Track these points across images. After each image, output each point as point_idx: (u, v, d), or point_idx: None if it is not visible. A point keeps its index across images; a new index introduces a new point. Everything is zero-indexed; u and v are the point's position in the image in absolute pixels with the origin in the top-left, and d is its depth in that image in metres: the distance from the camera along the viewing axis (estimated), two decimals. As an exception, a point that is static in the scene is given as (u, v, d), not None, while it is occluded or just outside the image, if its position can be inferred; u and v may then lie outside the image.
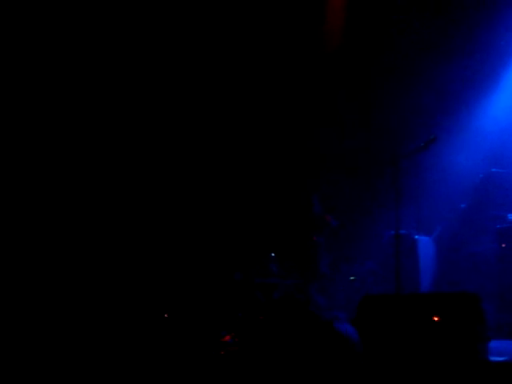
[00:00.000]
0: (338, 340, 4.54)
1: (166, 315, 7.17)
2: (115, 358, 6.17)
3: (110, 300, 7.37)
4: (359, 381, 4.37)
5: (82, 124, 8.38)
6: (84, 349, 6.40)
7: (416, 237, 8.58)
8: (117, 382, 5.88)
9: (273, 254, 8.80)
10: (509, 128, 9.13)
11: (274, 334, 6.23)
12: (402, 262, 7.83)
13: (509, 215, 8.44)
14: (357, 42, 9.46)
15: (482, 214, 8.72)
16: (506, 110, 9.28)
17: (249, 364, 5.96)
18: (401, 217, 7.72)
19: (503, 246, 8.18)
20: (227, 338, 6.77)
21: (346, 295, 8.77)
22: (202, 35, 8.88)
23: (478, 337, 4.91)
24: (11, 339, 6.47)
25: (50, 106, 8.17)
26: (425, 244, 8.71)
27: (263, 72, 9.35)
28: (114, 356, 6.21)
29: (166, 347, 6.61)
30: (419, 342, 4.88)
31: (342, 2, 9.44)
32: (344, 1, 9.43)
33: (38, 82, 8.06)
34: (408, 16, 9.32)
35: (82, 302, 7.37)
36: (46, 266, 7.66)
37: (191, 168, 9.04)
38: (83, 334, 6.73)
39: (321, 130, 9.56)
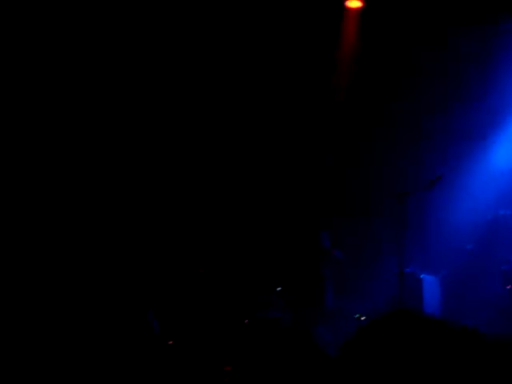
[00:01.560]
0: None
1: (170, 342, 7.19)
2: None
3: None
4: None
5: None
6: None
7: (421, 276, 8.59)
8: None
9: (279, 288, 8.82)
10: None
11: (274, 367, 6.24)
12: (406, 300, 7.88)
13: (513, 257, 8.48)
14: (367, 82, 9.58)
15: (489, 256, 8.74)
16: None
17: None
18: (407, 255, 7.80)
19: (508, 287, 8.21)
20: (229, 368, 6.80)
21: (352, 332, 8.74)
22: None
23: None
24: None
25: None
26: (430, 283, 8.72)
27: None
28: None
29: (168, 375, 6.64)
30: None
31: (351, 54, 9.58)
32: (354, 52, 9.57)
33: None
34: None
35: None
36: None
37: (197, 193, 9.06)
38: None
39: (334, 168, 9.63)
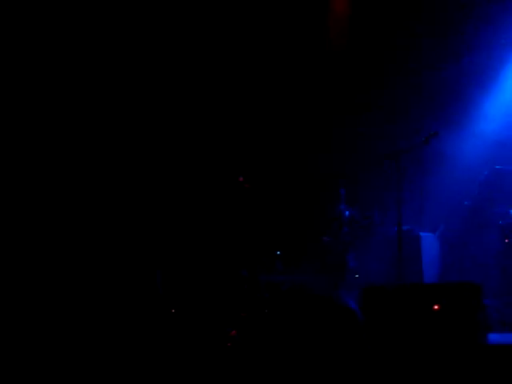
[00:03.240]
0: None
1: (172, 310, 7.26)
2: (120, 352, 6.23)
3: (114, 294, 7.44)
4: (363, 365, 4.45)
5: (82, 123, 8.45)
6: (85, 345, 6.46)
7: (420, 233, 8.65)
8: (120, 378, 5.93)
9: (278, 252, 8.88)
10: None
11: (278, 329, 6.30)
12: (406, 258, 7.95)
13: (511, 211, 8.51)
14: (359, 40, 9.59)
15: (486, 211, 8.78)
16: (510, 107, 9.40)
17: (254, 359, 6.04)
18: (404, 213, 7.84)
19: (506, 241, 8.26)
20: (233, 333, 6.86)
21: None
22: (201, 36, 8.96)
23: (478, 325, 4.99)
24: (11, 339, 6.52)
25: (49, 105, 8.25)
26: (428, 241, 8.78)
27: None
28: (118, 350, 6.27)
29: (171, 341, 6.70)
30: (420, 330, 4.96)
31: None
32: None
33: (38, 81, 8.13)
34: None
35: (83, 299, 7.41)
36: (42, 264, 7.70)
37: (195, 165, 9.13)
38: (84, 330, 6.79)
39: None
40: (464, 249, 8.77)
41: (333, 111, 9.69)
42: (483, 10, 8.97)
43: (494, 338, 5.84)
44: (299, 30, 9.40)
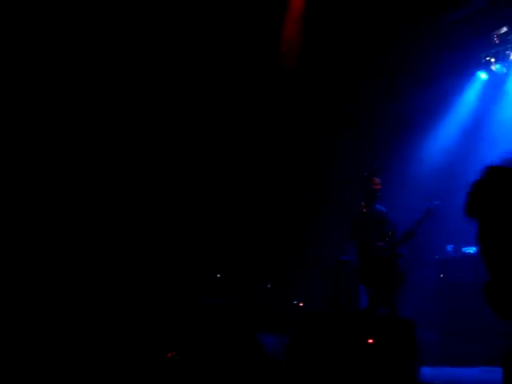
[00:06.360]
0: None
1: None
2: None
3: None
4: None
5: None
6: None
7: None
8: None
9: (218, 275, 8.88)
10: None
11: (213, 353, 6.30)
12: (344, 287, 8.07)
13: (447, 247, 8.73)
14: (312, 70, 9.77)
15: (425, 245, 8.96)
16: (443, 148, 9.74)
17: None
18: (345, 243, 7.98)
19: (441, 276, 8.47)
20: (169, 355, 6.81)
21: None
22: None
23: (411, 361, 5.08)
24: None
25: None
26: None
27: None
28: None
29: (108, 360, 6.61)
30: (352, 362, 5.02)
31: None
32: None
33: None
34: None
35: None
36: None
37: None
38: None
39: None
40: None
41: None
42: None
43: (427, 371, 5.97)
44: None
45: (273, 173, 9.80)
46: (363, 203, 7.43)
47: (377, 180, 7.46)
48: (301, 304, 9.00)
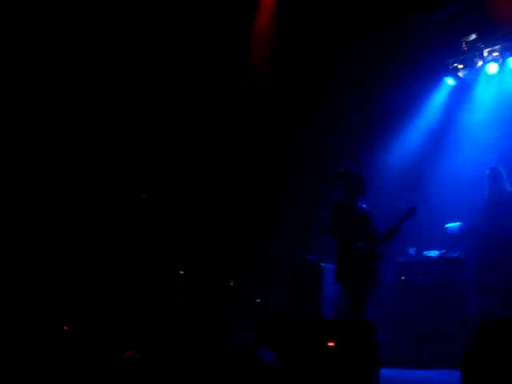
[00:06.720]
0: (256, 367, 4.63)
1: (65, 327, 7.08)
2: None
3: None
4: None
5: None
6: None
7: (322, 264, 8.77)
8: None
9: (182, 272, 8.83)
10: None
11: (180, 353, 6.27)
12: (306, 288, 8.09)
13: (409, 250, 8.81)
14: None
15: (386, 247, 9.03)
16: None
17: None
18: (311, 244, 8.01)
19: (403, 278, 8.54)
20: (128, 353, 6.75)
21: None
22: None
23: (370, 364, 5.12)
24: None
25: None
26: (329, 271, 8.92)
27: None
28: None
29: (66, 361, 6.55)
30: (313, 365, 5.04)
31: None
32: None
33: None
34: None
35: None
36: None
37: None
38: None
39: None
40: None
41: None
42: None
43: (386, 373, 6.03)
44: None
45: (236, 170, 9.79)
46: (345, 200, 7.36)
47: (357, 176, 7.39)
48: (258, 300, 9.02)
